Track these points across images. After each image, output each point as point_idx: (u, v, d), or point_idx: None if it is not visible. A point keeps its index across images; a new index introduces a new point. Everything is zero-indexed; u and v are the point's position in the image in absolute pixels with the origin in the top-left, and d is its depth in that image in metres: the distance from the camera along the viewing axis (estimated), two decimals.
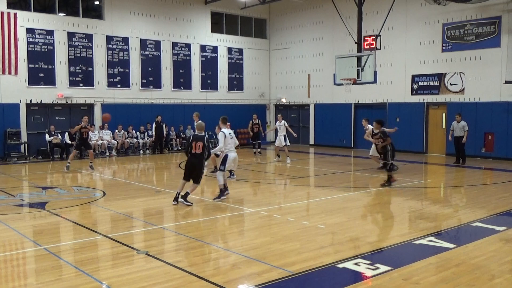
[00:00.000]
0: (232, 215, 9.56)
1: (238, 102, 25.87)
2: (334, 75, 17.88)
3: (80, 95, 20.75)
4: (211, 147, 10.63)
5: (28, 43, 19.39)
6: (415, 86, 20.83)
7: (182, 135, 22.97)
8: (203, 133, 10.38)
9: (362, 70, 16.70)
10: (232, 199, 10.95)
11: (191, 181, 10.26)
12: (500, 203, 10.36)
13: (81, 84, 20.78)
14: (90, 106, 21.23)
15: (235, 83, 25.93)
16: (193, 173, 10.18)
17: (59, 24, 20.17)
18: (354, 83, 17.18)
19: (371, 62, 16.51)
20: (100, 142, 20.46)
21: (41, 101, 19.87)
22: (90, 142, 19.44)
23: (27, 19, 19.35)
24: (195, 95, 24.23)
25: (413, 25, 20.71)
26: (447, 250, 6.96)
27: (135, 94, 22.26)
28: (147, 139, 21.86)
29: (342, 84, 17.69)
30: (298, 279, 5.84)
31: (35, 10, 19.69)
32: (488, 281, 5.71)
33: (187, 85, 23.97)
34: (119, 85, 21.79)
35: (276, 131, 18.56)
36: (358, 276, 5.98)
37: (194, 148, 10.08)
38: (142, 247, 7.18)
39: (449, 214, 9.57)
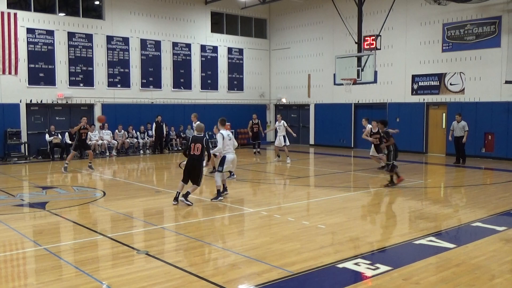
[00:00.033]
0: (232, 215, 9.57)
1: (238, 102, 25.87)
2: (334, 75, 17.87)
3: (80, 95, 20.76)
4: (211, 147, 10.62)
5: (28, 43, 19.40)
6: (415, 86, 20.83)
7: (182, 135, 22.97)
8: (202, 134, 10.38)
9: (362, 70, 16.69)
10: (232, 199, 10.95)
11: (191, 181, 10.25)
12: (500, 203, 10.36)
13: (81, 84, 20.79)
14: (90, 106, 21.23)
15: (235, 83, 25.93)
16: (192, 174, 10.18)
17: (59, 24, 20.17)
18: (354, 83, 17.18)
19: (371, 62, 16.51)
20: (100, 142, 20.47)
21: (41, 101, 19.87)
22: (90, 142, 19.54)
23: (27, 19, 19.36)
24: (195, 95, 24.23)
25: (413, 25, 20.71)
26: (447, 250, 6.96)
27: (135, 94, 22.27)
28: (147, 139, 21.87)
29: (342, 84, 17.69)
30: (298, 279, 5.84)
31: (35, 10, 19.69)
32: (488, 281, 5.71)
33: (187, 85, 23.98)
34: (119, 85, 21.79)
35: (276, 131, 18.59)
36: (358, 276, 5.98)
37: (193, 149, 10.09)
38: (142, 247, 7.18)
39: (449, 214, 9.57)
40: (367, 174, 15.08)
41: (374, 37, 16.92)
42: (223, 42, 25.34)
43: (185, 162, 14.27)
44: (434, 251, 6.92)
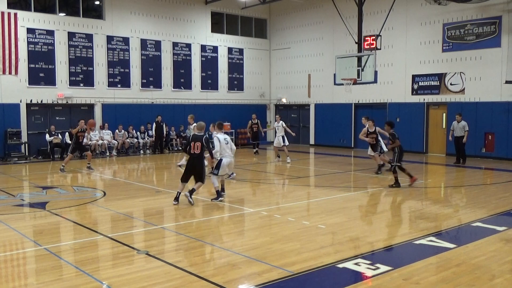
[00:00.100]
0: (232, 215, 9.57)
1: (239, 102, 25.87)
2: (334, 75, 17.88)
3: (80, 95, 20.76)
4: (211, 146, 10.61)
5: (29, 43, 19.40)
6: (415, 86, 20.83)
7: (182, 135, 22.97)
8: (202, 133, 10.39)
9: (362, 70, 16.70)
10: (232, 199, 10.95)
11: (194, 180, 10.28)
12: (500, 203, 10.36)
13: (82, 84, 20.79)
14: (91, 106, 21.23)
15: (236, 83, 25.93)
16: (193, 173, 10.21)
17: (60, 24, 20.17)
18: (355, 83, 17.19)
19: (372, 62, 16.51)
20: (100, 142, 20.47)
21: (41, 101, 19.88)
22: (90, 142, 19.57)
23: (28, 19, 19.36)
24: (196, 95, 24.23)
25: (413, 25, 20.71)
26: (447, 250, 6.96)
27: (135, 94, 22.27)
28: (148, 139, 21.87)
29: (342, 84, 17.69)
30: (298, 279, 5.84)
31: (35, 10, 19.70)
32: (488, 281, 5.71)
33: (188, 85, 23.98)
34: (119, 85, 21.79)
35: (275, 131, 18.61)
36: (358, 276, 5.98)
37: (193, 148, 10.13)
38: (142, 247, 7.18)
39: (450, 214, 9.57)
40: (367, 174, 15.07)
41: (374, 37, 16.93)
42: (223, 42, 25.34)
43: (182, 162, 14.31)
44: (434, 251, 6.92)
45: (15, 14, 18.74)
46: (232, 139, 23.37)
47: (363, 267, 6.21)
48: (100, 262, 6.58)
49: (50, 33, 19.88)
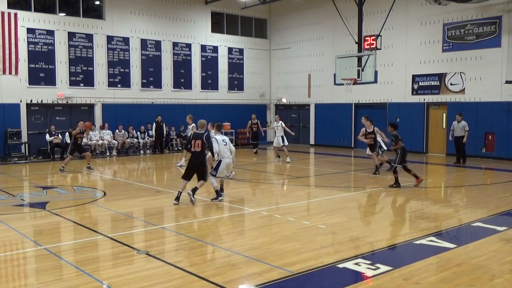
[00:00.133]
0: (232, 215, 9.56)
1: (239, 102, 25.87)
2: (334, 75, 17.87)
3: (80, 95, 20.76)
4: (212, 145, 10.61)
5: (29, 43, 19.40)
6: (415, 86, 20.83)
7: (182, 135, 22.97)
8: (203, 131, 10.40)
9: (362, 70, 16.69)
10: (232, 199, 10.96)
11: (197, 178, 10.32)
12: (500, 203, 10.36)
13: (82, 84, 20.79)
14: (91, 106, 21.23)
15: (236, 83, 25.93)
16: (195, 170, 10.26)
17: (60, 24, 20.18)
18: (355, 83, 17.18)
19: (372, 62, 16.50)
20: (100, 142, 20.47)
21: (41, 101, 19.88)
22: (91, 142, 19.58)
23: (28, 19, 19.36)
24: (196, 95, 24.23)
25: (413, 25, 20.71)
26: (447, 250, 6.96)
27: (135, 94, 22.27)
28: (148, 139, 21.87)
29: (342, 84, 17.68)
30: (299, 279, 5.84)
31: (35, 10, 19.70)
32: (488, 281, 5.71)
33: (188, 85, 23.98)
34: (119, 85, 21.79)
35: (275, 131, 18.62)
36: (358, 276, 5.98)
37: (194, 146, 10.16)
38: (142, 247, 7.18)
39: (450, 214, 9.57)
40: (367, 174, 15.07)
41: (374, 37, 16.92)
42: (224, 42, 25.34)
43: (182, 163, 14.25)
44: (434, 251, 6.92)
45: (15, 14, 18.74)
46: (232, 139, 23.58)
47: (363, 267, 6.21)
48: (100, 262, 6.58)
49: (50, 33, 19.88)
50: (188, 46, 23.90)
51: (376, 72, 16.66)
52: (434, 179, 14.75)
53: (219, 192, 10.62)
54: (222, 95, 25.30)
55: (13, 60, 18.72)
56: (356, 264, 6.32)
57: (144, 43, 22.44)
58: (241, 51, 26.03)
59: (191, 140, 10.26)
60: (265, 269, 6.12)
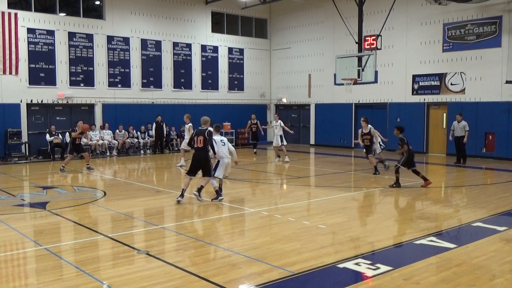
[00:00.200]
0: (232, 215, 9.57)
1: (239, 102, 25.87)
2: (334, 75, 17.88)
3: (80, 95, 20.76)
4: (212, 142, 10.62)
5: (29, 43, 19.41)
6: (415, 86, 20.82)
7: (182, 135, 22.94)
8: (205, 127, 10.44)
9: (362, 70, 16.70)
10: (232, 199, 10.96)
11: (201, 175, 10.48)
12: (500, 203, 10.36)
13: (82, 84, 20.80)
14: (91, 106, 21.24)
15: (236, 83, 25.93)
16: (199, 166, 10.40)
17: (60, 24, 20.18)
18: (355, 83, 17.18)
19: (372, 62, 16.51)
20: (100, 142, 20.48)
21: (41, 101, 19.88)
22: (90, 142, 19.56)
23: (28, 19, 19.37)
24: (196, 95, 24.23)
25: (413, 25, 20.70)
26: (447, 250, 6.96)
27: (135, 94, 22.27)
28: (148, 139, 21.88)
29: (342, 84, 17.69)
30: (299, 279, 5.84)
31: (35, 10, 19.70)
32: (488, 281, 5.71)
33: (188, 85, 23.98)
34: (119, 85, 21.80)
35: (274, 131, 18.63)
36: (358, 276, 5.98)
37: (196, 142, 10.35)
38: (142, 247, 7.18)
39: (450, 214, 9.57)
40: (367, 174, 15.06)
41: (374, 37, 16.94)
42: (224, 42, 25.34)
43: (182, 163, 14.26)
44: (434, 251, 6.92)
45: (16, 14, 18.73)
46: (232, 139, 23.57)
47: (363, 267, 6.21)
48: (101, 262, 6.58)
49: (51, 33, 19.89)
50: (188, 46, 23.90)
51: (376, 72, 16.67)
52: (435, 179, 14.70)
53: (219, 192, 10.63)
54: (222, 95, 25.30)
55: (13, 60, 18.72)
56: (356, 264, 6.32)
57: (144, 43, 22.44)
58: (241, 51, 26.03)
59: (194, 136, 10.54)
60: (265, 269, 6.12)
